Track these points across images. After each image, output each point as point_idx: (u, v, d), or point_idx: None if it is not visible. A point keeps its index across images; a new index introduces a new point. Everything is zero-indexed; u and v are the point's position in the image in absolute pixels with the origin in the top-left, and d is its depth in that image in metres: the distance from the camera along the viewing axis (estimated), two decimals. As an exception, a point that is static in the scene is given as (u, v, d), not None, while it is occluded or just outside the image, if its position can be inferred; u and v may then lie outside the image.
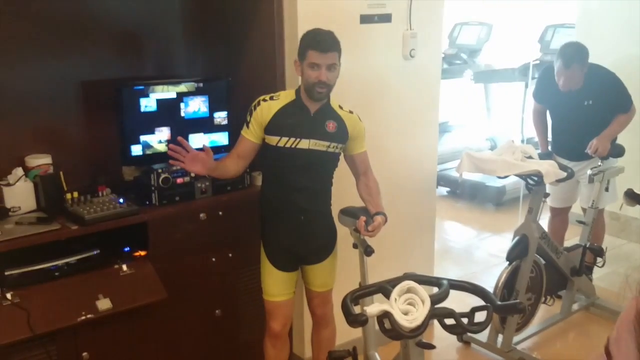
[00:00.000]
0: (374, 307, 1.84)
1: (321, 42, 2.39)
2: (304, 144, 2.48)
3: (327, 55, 2.40)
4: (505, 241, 4.98)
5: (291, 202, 2.54)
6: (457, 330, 1.86)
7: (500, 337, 3.40)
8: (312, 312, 2.82)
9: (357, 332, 2.92)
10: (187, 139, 2.89)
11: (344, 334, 3.19)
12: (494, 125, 6.97)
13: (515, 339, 3.40)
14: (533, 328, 3.60)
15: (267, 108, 2.49)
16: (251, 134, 2.52)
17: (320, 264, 2.67)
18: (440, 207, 4.43)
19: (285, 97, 2.54)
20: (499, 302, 1.93)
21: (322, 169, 2.58)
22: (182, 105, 2.91)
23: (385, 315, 1.83)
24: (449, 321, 1.89)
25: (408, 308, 1.81)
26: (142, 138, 2.84)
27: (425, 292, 1.82)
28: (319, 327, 2.85)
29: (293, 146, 2.48)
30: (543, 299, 3.56)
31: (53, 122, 2.85)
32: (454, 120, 7.36)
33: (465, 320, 1.87)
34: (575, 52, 3.52)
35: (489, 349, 3.44)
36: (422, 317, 1.77)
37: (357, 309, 1.93)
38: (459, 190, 6.23)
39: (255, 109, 2.50)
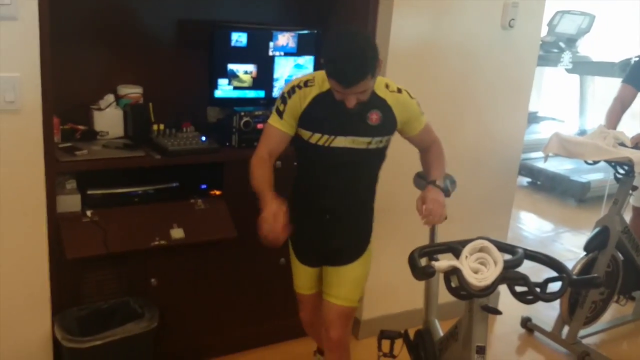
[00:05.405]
0: (443, 262, 1.81)
1: (344, 77, 1.96)
2: (340, 141, 2.13)
3: (353, 88, 1.98)
4: (583, 238, 4.82)
5: (318, 200, 2.25)
6: (528, 298, 1.79)
7: (566, 329, 3.29)
8: (326, 334, 2.36)
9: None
10: (273, 68, 2.96)
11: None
12: (585, 120, 6.70)
13: (582, 332, 3.28)
14: (601, 325, 3.46)
15: (302, 96, 2.13)
16: (285, 124, 2.16)
17: (342, 268, 2.29)
18: (518, 197, 4.29)
19: (320, 82, 2.12)
20: (575, 276, 1.85)
21: (360, 168, 2.23)
22: (270, 44, 2.91)
23: (453, 272, 1.80)
24: (520, 289, 1.83)
25: (478, 267, 1.77)
26: (230, 67, 2.85)
27: (499, 253, 1.77)
28: (332, 357, 2.38)
29: (327, 144, 2.14)
30: (616, 297, 3.42)
31: (147, 57, 2.91)
32: (544, 112, 7.13)
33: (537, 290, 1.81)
34: None
35: (552, 338, 3.33)
36: (492, 277, 1.73)
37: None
38: (540, 181, 6.04)
39: (289, 96, 2.14)
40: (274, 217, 2.03)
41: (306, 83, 2.14)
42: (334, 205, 2.24)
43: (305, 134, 2.16)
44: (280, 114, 2.16)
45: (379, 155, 2.24)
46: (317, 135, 2.14)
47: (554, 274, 1.90)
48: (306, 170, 2.29)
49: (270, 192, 2.13)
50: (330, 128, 2.12)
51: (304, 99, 2.12)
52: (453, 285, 1.81)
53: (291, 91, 2.14)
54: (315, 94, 2.12)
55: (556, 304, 3.26)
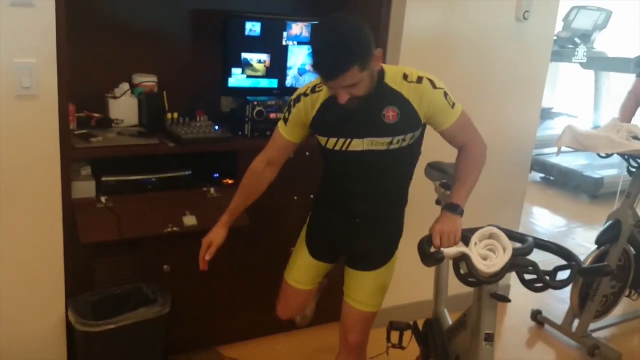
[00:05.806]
0: (451, 248, 1.82)
1: (322, 69, 1.80)
2: (357, 144, 1.97)
3: (335, 81, 1.79)
4: (596, 234, 4.82)
5: (345, 207, 2.12)
6: (537, 285, 1.80)
7: (576, 322, 3.28)
8: (344, 337, 2.25)
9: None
10: (286, 57, 2.97)
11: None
12: (600, 115, 6.67)
13: (592, 326, 3.27)
14: (612, 318, 3.45)
15: (310, 103, 2.00)
16: (287, 131, 2.07)
17: (367, 273, 2.16)
18: (530, 192, 4.28)
19: None
20: (585, 265, 1.86)
21: (385, 171, 2.04)
22: (284, 33, 2.93)
23: (462, 259, 1.81)
24: (529, 277, 1.84)
25: (487, 253, 1.78)
26: (243, 55, 2.87)
27: (508, 240, 1.78)
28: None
29: (344, 149, 1.99)
30: (627, 291, 3.41)
31: (162, 46, 2.94)
32: (559, 107, 7.11)
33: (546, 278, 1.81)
34: None
35: (562, 332, 3.33)
36: (501, 263, 1.74)
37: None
38: (553, 176, 6.02)
39: (294, 105, 2.02)
40: (206, 247, 2.16)
41: (313, 89, 2.00)
42: (362, 210, 2.10)
43: (322, 139, 2.03)
44: (285, 120, 2.07)
45: (406, 154, 2.02)
46: (332, 140, 2.00)
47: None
48: (331, 176, 2.16)
49: (229, 215, 2.19)
50: (344, 131, 1.97)
51: (312, 105, 2.00)
52: (462, 271, 1.82)
53: (297, 99, 2.03)
54: (325, 98, 1.97)
55: (567, 297, 3.26)
